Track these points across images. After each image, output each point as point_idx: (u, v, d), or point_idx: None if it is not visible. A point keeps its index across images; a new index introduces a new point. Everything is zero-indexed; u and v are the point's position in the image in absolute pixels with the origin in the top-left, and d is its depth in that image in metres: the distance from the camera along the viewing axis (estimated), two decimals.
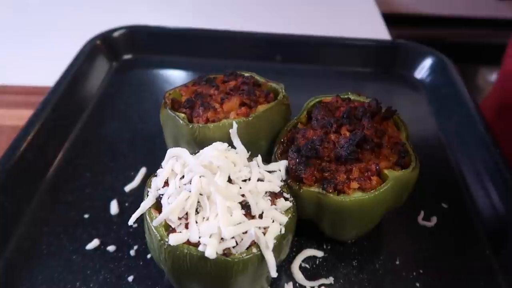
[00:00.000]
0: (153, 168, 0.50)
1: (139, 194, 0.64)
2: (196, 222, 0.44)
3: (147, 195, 0.48)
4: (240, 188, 0.46)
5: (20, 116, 0.77)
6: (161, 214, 0.44)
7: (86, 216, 0.62)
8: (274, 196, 0.49)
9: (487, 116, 0.75)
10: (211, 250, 0.41)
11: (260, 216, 0.45)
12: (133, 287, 0.54)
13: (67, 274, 0.55)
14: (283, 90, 0.63)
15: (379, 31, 1.15)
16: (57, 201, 0.64)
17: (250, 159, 0.52)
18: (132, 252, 0.58)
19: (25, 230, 0.60)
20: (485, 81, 1.49)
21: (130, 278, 0.55)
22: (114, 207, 0.63)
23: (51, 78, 0.81)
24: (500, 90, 1.00)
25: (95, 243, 0.58)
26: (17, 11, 1.19)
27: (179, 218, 0.44)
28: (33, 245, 0.58)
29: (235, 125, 0.53)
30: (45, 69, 0.86)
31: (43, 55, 1.00)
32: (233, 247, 0.43)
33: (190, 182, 0.45)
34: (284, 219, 0.46)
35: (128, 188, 0.66)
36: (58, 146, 0.72)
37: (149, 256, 0.57)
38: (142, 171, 0.69)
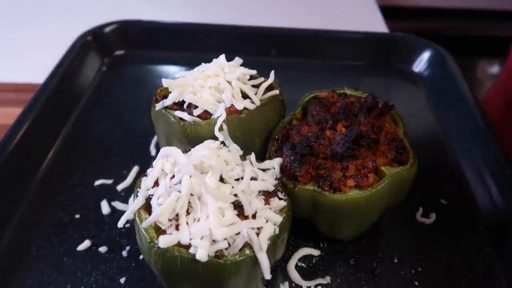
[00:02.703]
0: (146, 166, 0.49)
1: (132, 193, 0.63)
2: (187, 224, 0.42)
3: (137, 196, 0.46)
4: (233, 187, 0.45)
5: (8, 114, 0.75)
6: (150, 216, 0.43)
7: (77, 216, 0.61)
8: (268, 195, 0.47)
9: (489, 111, 0.74)
10: (202, 253, 0.40)
11: (254, 216, 0.44)
12: None
13: (58, 276, 0.54)
14: (278, 85, 0.61)
15: (377, 24, 1.13)
16: (47, 201, 0.63)
17: (243, 157, 0.51)
18: (124, 253, 0.56)
19: (14, 232, 0.58)
20: (484, 74, 1.48)
21: (122, 280, 0.53)
22: (105, 207, 0.62)
23: (41, 75, 0.79)
24: (502, 88, 0.98)
25: (86, 244, 0.57)
26: (6, 6, 1.16)
27: (170, 220, 0.43)
28: (23, 248, 0.57)
29: (225, 127, 0.52)
30: (35, 65, 0.85)
31: (33, 51, 0.99)
32: (226, 248, 0.42)
33: (180, 182, 0.44)
34: (279, 218, 0.45)
35: (120, 187, 0.65)
36: (48, 145, 0.71)
37: (141, 257, 0.56)
38: (135, 169, 0.67)
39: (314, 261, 0.56)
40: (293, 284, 0.54)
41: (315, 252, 0.57)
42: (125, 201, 0.63)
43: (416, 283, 0.54)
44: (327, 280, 0.54)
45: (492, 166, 0.67)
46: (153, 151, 0.71)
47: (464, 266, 0.56)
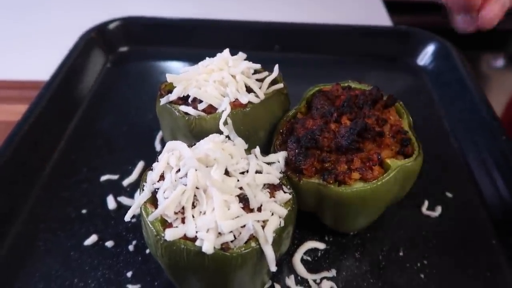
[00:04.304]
0: (152, 161, 0.49)
1: (137, 188, 0.63)
2: (193, 217, 0.42)
3: (143, 190, 0.46)
4: (238, 180, 0.45)
5: (14, 111, 0.75)
6: (157, 209, 0.43)
7: (83, 211, 0.61)
8: (273, 189, 0.47)
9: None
10: (208, 245, 0.40)
11: (259, 209, 0.44)
12: (132, 283, 0.53)
13: (65, 271, 0.54)
14: (282, 79, 0.61)
15: (381, 18, 1.12)
16: (54, 197, 0.63)
17: (248, 151, 0.51)
18: (130, 247, 0.57)
19: (21, 227, 0.59)
20: (489, 68, 1.47)
21: (129, 274, 0.54)
22: (111, 202, 0.62)
23: (46, 72, 0.80)
24: None
25: (93, 238, 0.57)
26: (10, 4, 1.17)
27: (175, 213, 0.43)
28: (30, 242, 0.57)
29: (229, 121, 0.52)
30: (40, 62, 0.85)
31: (38, 48, 0.99)
32: (231, 241, 0.42)
33: (186, 175, 0.44)
34: (284, 211, 0.45)
35: (126, 182, 0.65)
36: (54, 141, 0.71)
37: (148, 251, 0.56)
38: (140, 165, 0.68)
39: (319, 254, 0.56)
40: (299, 277, 0.54)
41: (321, 246, 0.57)
42: (131, 196, 0.63)
43: (422, 275, 0.54)
44: (332, 273, 0.54)
45: (497, 159, 0.66)
46: (158, 146, 0.72)
47: (470, 259, 0.56)
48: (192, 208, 0.43)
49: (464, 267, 0.55)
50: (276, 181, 0.48)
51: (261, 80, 0.59)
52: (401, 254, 0.56)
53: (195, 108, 0.56)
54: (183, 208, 0.43)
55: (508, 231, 0.59)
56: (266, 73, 0.60)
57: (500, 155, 0.66)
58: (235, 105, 0.55)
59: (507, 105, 1.03)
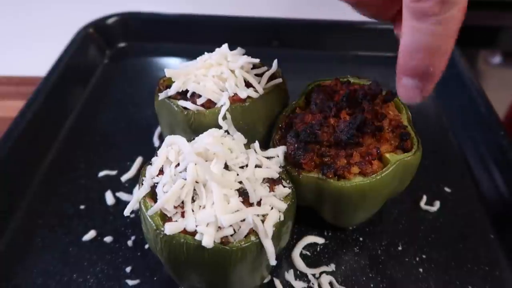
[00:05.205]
0: (150, 157, 0.49)
1: (136, 184, 0.63)
2: (193, 211, 0.42)
3: (142, 184, 0.46)
4: (237, 175, 0.45)
5: (11, 107, 0.75)
6: (156, 203, 0.43)
7: (82, 207, 0.61)
8: (272, 183, 0.47)
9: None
10: (208, 239, 0.40)
11: (259, 204, 0.44)
12: (131, 278, 0.53)
13: (63, 267, 0.54)
14: (281, 74, 0.61)
15: None
16: (52, 193, 0.63)
17: (247, 146, 0.51)
18: (129, 243, 0.57)
19: (19, 223, 0.59)
20: (486, 64, 1.47)
21: (128, 269, 0.54)
22: (110, 198, 0.62)
23: (44, 68, 0.79)
24: None
25: (91, 234, 0.57)
26: (5, 1, 1.16)
27: (175, 207, 0.43)
28: (28, 238, 0.57)
29: (228, 116, 0.52)
30: (37, 58, 0.84)
31: (35, 44, 0.98)
32: (231, 235, 0.42)
33: (185, 170, 0.44)
34: (283, 206, 0.45)
35: (124, 178, 0.65)
36: (52, 137, 0.71)
37: (147, 246, 0.56)
38: (139, 160, 0.68)
39: (318, 249, 0.57)
40: (298, 272, 0.54)
41: (320, 240, 0.57)
42: (130, 192, 0.63)
43: (421, 270, 0.54)
44: (331, 268, 0.54)
45: (496, 154, 0.66)
46: (156, 142, 0.71)
47: (468, 253, 0.56)
48: (192, 202, 0.43)
49: (462, 261, 0.55)
50: (276, 176, 0.48)
51: (260, 75, 0.59)
52: (399, 248, 0.57)
53: (194, 103, 0.55)
54: (182, 202, 0.43)
55: (506, 225, 0.59)
56: (265, 68, 0.60)
57: (498, 150, 0.66)
58: (234, 99, 0.55)
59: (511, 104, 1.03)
